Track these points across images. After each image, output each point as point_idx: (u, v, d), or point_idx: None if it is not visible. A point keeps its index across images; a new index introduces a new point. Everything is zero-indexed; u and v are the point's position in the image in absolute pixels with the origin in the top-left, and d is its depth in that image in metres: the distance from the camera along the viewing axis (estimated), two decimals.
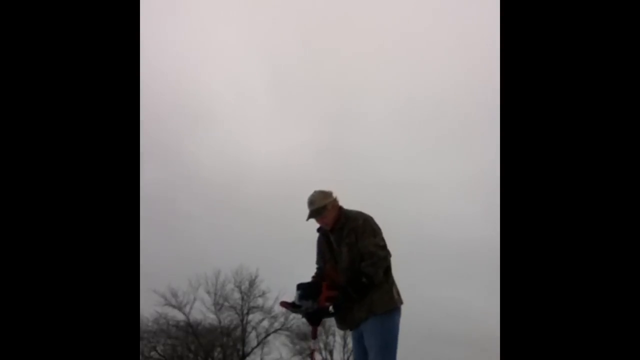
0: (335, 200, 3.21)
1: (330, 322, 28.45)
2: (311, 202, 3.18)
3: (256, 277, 28.00)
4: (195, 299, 26.91)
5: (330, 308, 3.10)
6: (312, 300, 3.07)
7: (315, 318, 3.15)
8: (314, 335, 3.25)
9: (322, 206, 3.15)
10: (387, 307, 3.04)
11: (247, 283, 28.14)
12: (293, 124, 41.87)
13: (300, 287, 3.14)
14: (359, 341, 3.17)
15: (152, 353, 26.39)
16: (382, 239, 3.12)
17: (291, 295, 3.24)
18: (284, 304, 3.24)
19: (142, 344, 23.90)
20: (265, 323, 27.66)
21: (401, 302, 3.14)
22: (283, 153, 39.89)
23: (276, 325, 27.78)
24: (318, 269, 3.38)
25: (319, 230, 3.34)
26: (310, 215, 3.19)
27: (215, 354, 27.34)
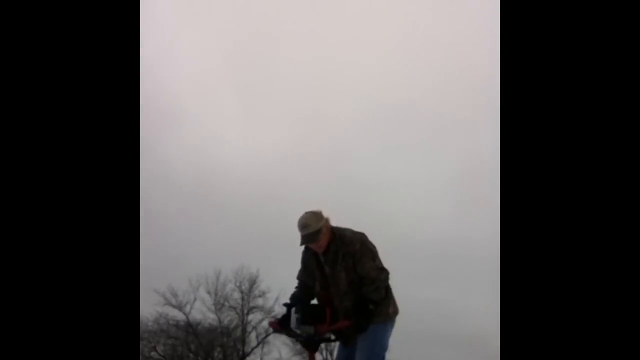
0: (327, 221, 3.00)
1: None
2: (304, 225, 2.94)
3: (257, 277, 28.01)
4: (195, 299, 26.93)
5: (329, 334, 2.99)
6: (313, 327, 2.90)
7: (313, 345, 2.98)
8: None
9: (317, 230, 2.93)
10: (382, 320, 3.01)
11: (247, 283, 28.16)
12: (264, 124, 41.78)
13: (299, 310, 2.94)
14: (346, 350, 3.13)
15: (152, 353, 26.35)
16: (380, 260, 3.03)
17: (286, 299, 3.13)
18: (274, 325, 3.07)
19: (142, 344, 23.87)
20: (266, 323, 27.63)
21: (396, 313, 3.11)
22: (257, 154, 39.80)
23: None
24: (301, 282, 3.24)
25: (307, 247, 3.12)
26: (304, 241, 2.97)
27: (215, 353, 27.31)
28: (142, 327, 23.41)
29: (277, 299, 26.79)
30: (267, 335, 27.51)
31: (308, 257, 3.16)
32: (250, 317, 27.93)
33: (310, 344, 2.95)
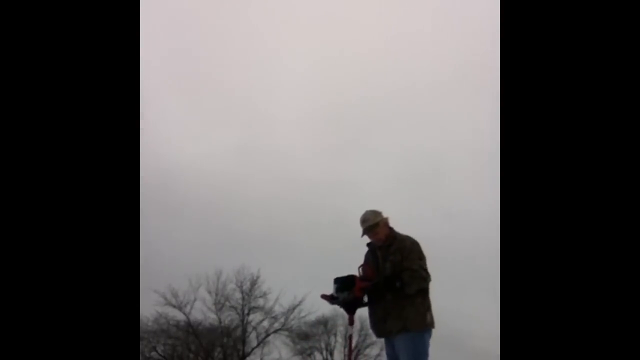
0: (385, 219, 3.51)
1: (332, 323, 28.60)
2: (364, 220, 3.48)
3: (257, 277, 28.00)
4: (195, 299, 26.89)
5: (365, 299, 3.43)
6: (347, 292, 3.40)
7: (350, 307, 3.47)
8: (351, 322, 3.60)
9: (374, 223, 3.46)
10: (419, 327, 3.29)
11: (248, 283, 28.14)
12: (212, 126, 41.12)
13: (337, 281, 3.47)
14: (391, 351, 3.42)
15: (152, 353, 26.34)
16: (426, 265, 3.35)
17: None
18: (324, 297, 3.55)
19: (142, 344, 23.85)
20: (266, 323, 27.65)
21: (433, 326, 3.36)
22: (213, 156, 39.19)
23: (276, 325, 27.73)
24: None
25: (368, 245, 3.64)
26: (364, 232, 3.49)
27: (216, 354, 27.29)
28: (142, 327, 23.38)
29: (277, 299, 26.88)
30: (267, 335, 27.55)
31: (367, 255, 3.65)
32: (251, 317, 27.95)
33: (347, 307, 3.49)
